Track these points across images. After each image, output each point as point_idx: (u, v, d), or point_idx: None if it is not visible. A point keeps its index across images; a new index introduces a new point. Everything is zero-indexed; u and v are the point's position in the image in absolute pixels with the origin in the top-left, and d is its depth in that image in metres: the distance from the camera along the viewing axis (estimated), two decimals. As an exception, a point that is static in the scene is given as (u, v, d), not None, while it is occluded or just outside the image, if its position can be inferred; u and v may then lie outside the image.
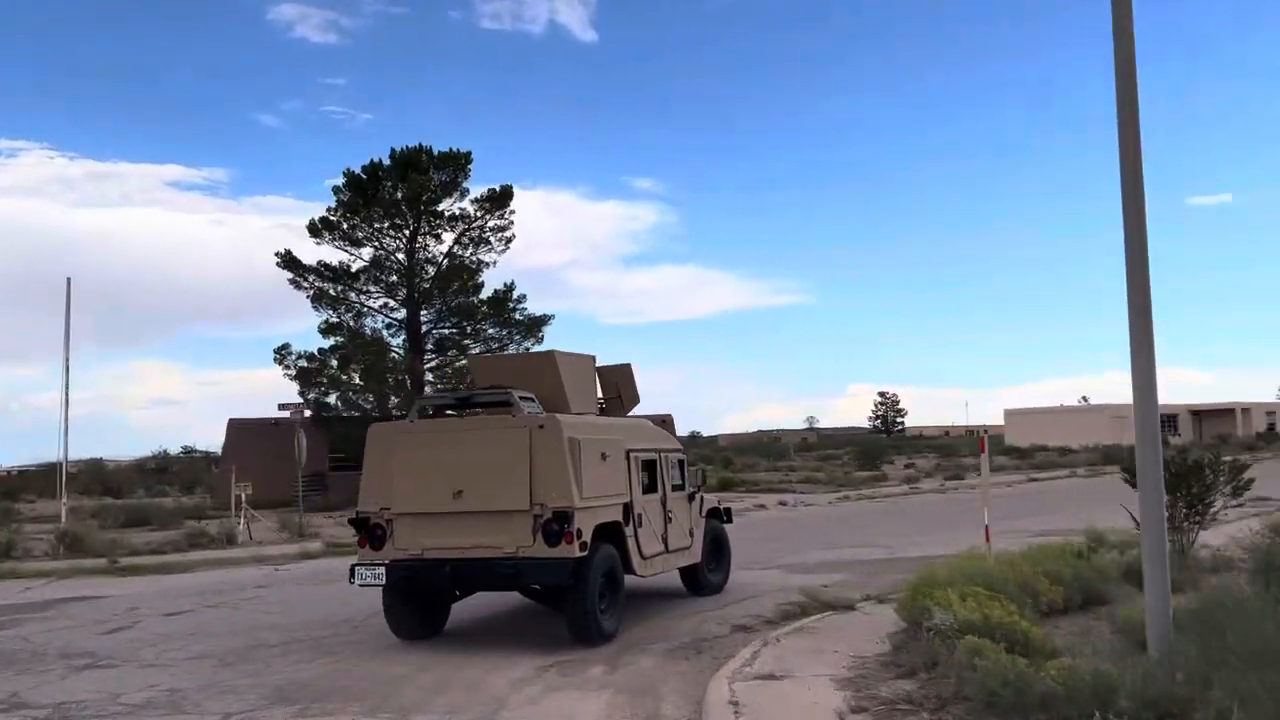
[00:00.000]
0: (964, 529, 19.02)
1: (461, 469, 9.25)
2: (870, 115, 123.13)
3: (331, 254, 35.06)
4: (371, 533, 9.52)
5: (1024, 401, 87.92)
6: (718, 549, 12.53)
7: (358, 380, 33.31)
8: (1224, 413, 74.60)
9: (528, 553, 8.99)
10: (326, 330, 34.63)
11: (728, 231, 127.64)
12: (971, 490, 33.31)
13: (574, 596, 9.09)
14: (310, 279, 34.48)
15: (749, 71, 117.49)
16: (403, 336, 35.28)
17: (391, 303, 35.21)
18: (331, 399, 33.78)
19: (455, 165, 34.50)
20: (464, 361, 33.04)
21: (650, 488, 10.69)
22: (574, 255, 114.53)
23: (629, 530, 9.94)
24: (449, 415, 10.76)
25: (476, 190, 34.91)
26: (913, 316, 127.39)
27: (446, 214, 34.95)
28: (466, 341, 35.75)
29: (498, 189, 34.72)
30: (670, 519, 10.98)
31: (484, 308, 35.24)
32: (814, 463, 56.74)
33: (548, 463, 9.05)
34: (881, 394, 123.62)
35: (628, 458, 10.24)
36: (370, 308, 35.20)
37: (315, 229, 34.36)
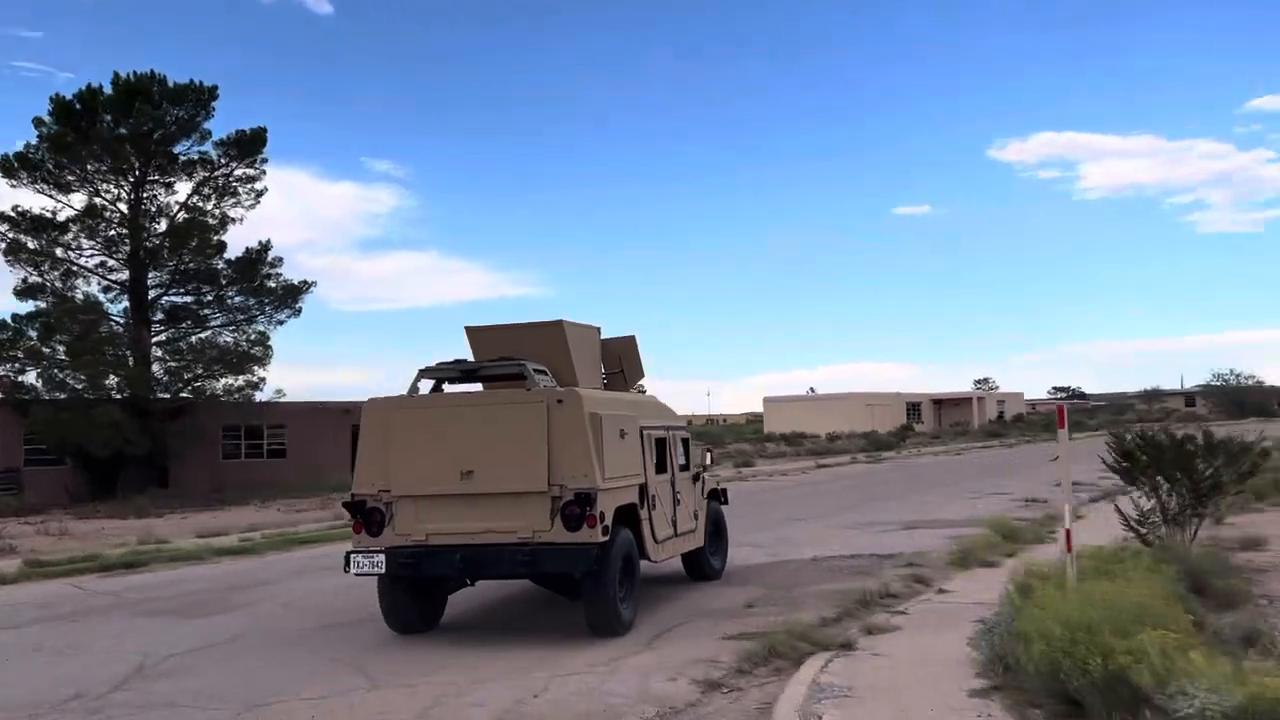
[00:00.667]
0: (815, 520, 17.91)
1: (471, 447, 8.55)
2: (625, 105, 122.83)
3: (32, 199, 28.96)
4: (368, 517, 8.78)
5: (769, 391, 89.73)
6: (716, 532, 11.90)
7: (64, 355, 27.35)
8: (962, 401, 79.27)
9: (545, 538, 8.35)
10: (24, 292, 28.40)
11: (471, 219, 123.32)
12: (784, 476, 32.29)
13: (594, 585, 8.47)
14: (3, 229, 28.05)
15: (494, 54, 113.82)
16: (125, 303, 29.59)
17: (111, 262, 29.37)
18: (30, 377, 27.60)
19: (196, 100, 28.98)
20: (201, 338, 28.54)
21: (660, 467, 10.03)
22: (305, 236, 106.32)
23: (644, 513, 9.37)
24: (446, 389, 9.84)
25: (221, 133, 29.65)
26: (656, 309, 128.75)
27: (183, 158, 29.50)
28: (206, 311, 30.45)
29: (248, 131, 29.56)
30: (678, 501, 10.40)
31: (229, 271, 30.05)
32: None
33: (567, 440, 8.41)
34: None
35: (641, 436, 9.60)
36: (82, 267, 29.19)
37: (9, 168, 27.87)
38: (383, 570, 8.58)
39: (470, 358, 9.91)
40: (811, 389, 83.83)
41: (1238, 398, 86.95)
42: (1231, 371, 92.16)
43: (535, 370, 9.11)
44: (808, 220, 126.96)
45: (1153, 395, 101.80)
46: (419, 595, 9.09)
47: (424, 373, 9.53)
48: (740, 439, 68.03)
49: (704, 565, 11.40)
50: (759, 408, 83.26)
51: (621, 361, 11.13)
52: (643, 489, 9.35)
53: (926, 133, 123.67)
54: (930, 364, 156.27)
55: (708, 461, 12.06)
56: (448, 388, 9.77)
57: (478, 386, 9.93)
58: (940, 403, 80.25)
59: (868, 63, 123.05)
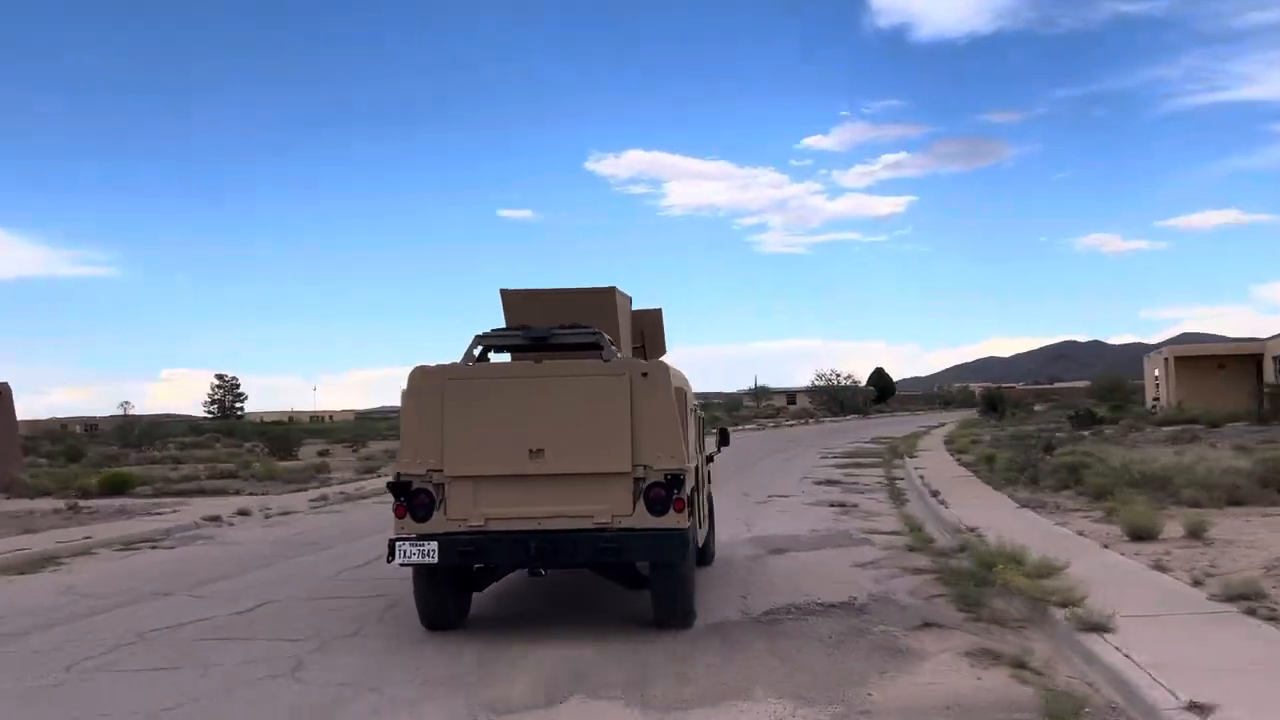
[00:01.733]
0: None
1: (541, 423, 7.73)
2: (206, 86, 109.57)
3: None
4: (413, 500, 7.75)
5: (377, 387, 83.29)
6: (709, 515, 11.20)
7: None
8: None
9: (626, 523, 7.66)
10: None
11: (26, 186, 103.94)
12: None
13: (671, 574, 7.87)
14: None
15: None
16: None
17: None
18: None
19: None
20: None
21: (700, 448, 10.04)
22: None
23: (699, 497, 9.16)
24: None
25: None
26: (242, 304, 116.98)
27: None
28: None
29: None
30: (705, 484, 10.32)
31: None
32: (209, 451, 45.34)
33: (653, 417, 7.73)
34: (220, 377, 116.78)
35: (694, 414, 9.44)
36: None
37: None
38: (435, 560, 7.59)
39: (508, 319, 9.19)
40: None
41: (839, 396, 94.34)
42: (833, 372, 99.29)
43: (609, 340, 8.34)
44: (417, 221, 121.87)
45: (760, 393, 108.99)
46: (461, 588, 8.31)
47: (481, 339, 8.53)
48: (375, 436, 61.16)
49: (707, 550, 10.76)
50: (367, 403, 76.21)
51: (644, 335, 10.39)
52: (696, 470, 8.97)
53: (529, 139, 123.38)
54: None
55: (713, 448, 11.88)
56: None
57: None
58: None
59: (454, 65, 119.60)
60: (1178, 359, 49.35)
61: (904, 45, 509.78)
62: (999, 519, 13.28)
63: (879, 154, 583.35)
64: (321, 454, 41.20)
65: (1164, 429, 35.14)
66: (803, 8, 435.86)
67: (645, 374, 7.85)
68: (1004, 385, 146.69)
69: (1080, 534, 11.99)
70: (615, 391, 7.74)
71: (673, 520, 7.65)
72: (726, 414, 77.30)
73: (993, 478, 19.97)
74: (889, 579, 10.16)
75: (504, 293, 9.22)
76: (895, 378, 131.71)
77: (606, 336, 8.30)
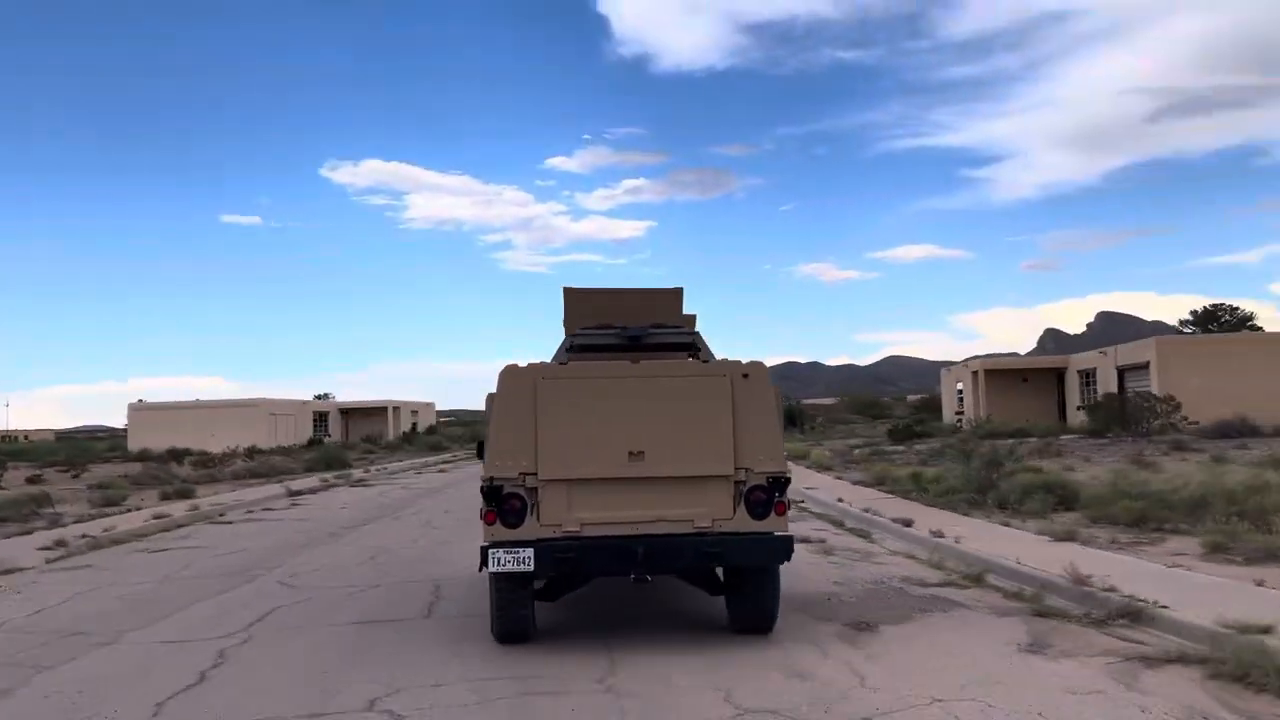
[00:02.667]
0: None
1: (640, 424, 7.41)
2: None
3: None
4: (504, 505, 7.32)
5: (74, 403, 72.84)
6: None
7: None
8: (375, 411, 70.67)
9: (727, 527, 7.40)
10: None
11: None
12: (273, 511, 20.41)
13: (762, 579, 7.67)
14: None
15: None
16: None
17: None
18: None
19: None
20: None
21: None
22: None
23: None
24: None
25: None
26: None
27: None
28: None
29: None
30: None
31: None
32: None
33: (754, 419, 7.51)
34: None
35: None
36: None
37: None
38: (530, 568, 7.18)
39: (570, 318, 8.95)
40: (142, 400, 68.29)
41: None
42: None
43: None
44: (129, 230, 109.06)
45: None
46: (538, 598, 7.82)
47: (576, 337, 8.37)
48: (96, 458, 51.93)
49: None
50: (65, 422, 65.70)
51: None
52: None
53: (257, 144, 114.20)
54: (262, 377, 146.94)
55: None
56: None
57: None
58: (349, 413, 71.02)
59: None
60: (987, 372, 49.81)
61: (644, 75, 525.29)
62: (1066, 556, 9.79)
63: (620, 179, 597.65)
64: (34, 480, 33.03)
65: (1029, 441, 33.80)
66: (548, 31, 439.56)
67: (746, 375, 7.63)
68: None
69: (1260, 583, 8.70)
70: (716, 393, 7.53)
71: (774, 524, 7.46)
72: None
73: (938, 500, 16.86)
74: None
75: (567, 291, 8.75)
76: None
77: (701, 337, 8.15)
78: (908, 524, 14.08)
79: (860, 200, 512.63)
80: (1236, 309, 74.97)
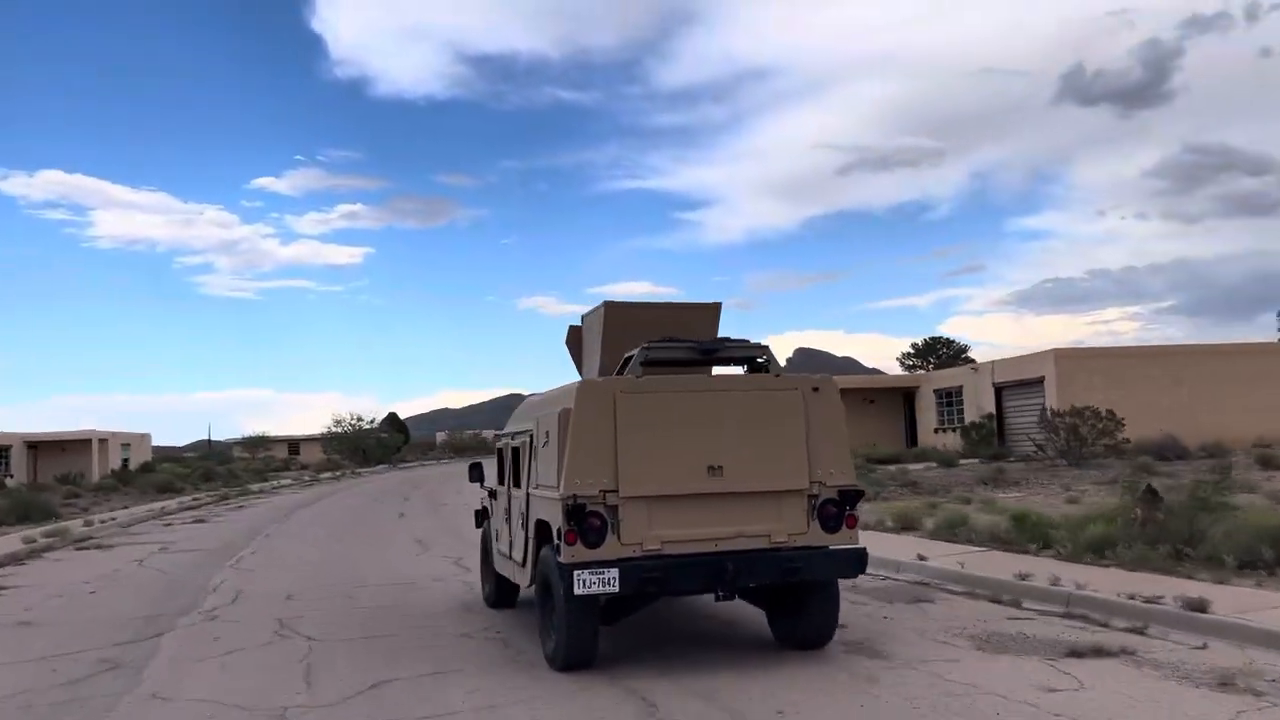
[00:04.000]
0: None
1: (718, 439, 7.35)
2: None
3: None
4: (585, 524, 7.02)
5: None
6: None
7: None
8: (73, 444, 55.92)
9: (802, 541, 7.40)
10: None
11: None
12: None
13: (826, 594, 7.68)
14: None
15: None
16: None
17: None
18: None
19: None
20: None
21: None
22: None
23: None
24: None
25: None
26: None
27: None
28: None
29: None
30: None
31: None
32: None
33: (825, 432, 7.56)
34: None
35: None
36: None
37: None
38: (616, 588, 6.94)
39: (607, 332, 8.67)
40: None
41: (362, 444, 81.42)
42: (354, 416, 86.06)
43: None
44: None
45: (256, 442, 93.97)
46: (606, 620, 7.57)
47: (649, 350, 7.81)
48: None
49: None
50: None
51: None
52: None
53: None
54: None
55: None
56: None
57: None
58: (39, 446, 56.33)
59: None
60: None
61: (363, 98, 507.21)
62: None
63: (335, 203, 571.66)
64: None
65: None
66: (257, 47, 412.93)
67: (816, 389, 7.63)
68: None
69: None
70: (790, 407, 7.52)
71: (845, 537, 7.48)
72: (226, 468, 59.45)
73: (1100, 556, 10.90)
74: None
75: (608, 305, 8.64)
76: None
77: (771, 351, 8.13)
78: (1198, 608, 8.09)
79: (581, 236, 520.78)
80: (953, 342, 79.39)
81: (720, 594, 7.33)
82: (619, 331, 8.51)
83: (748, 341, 8.00)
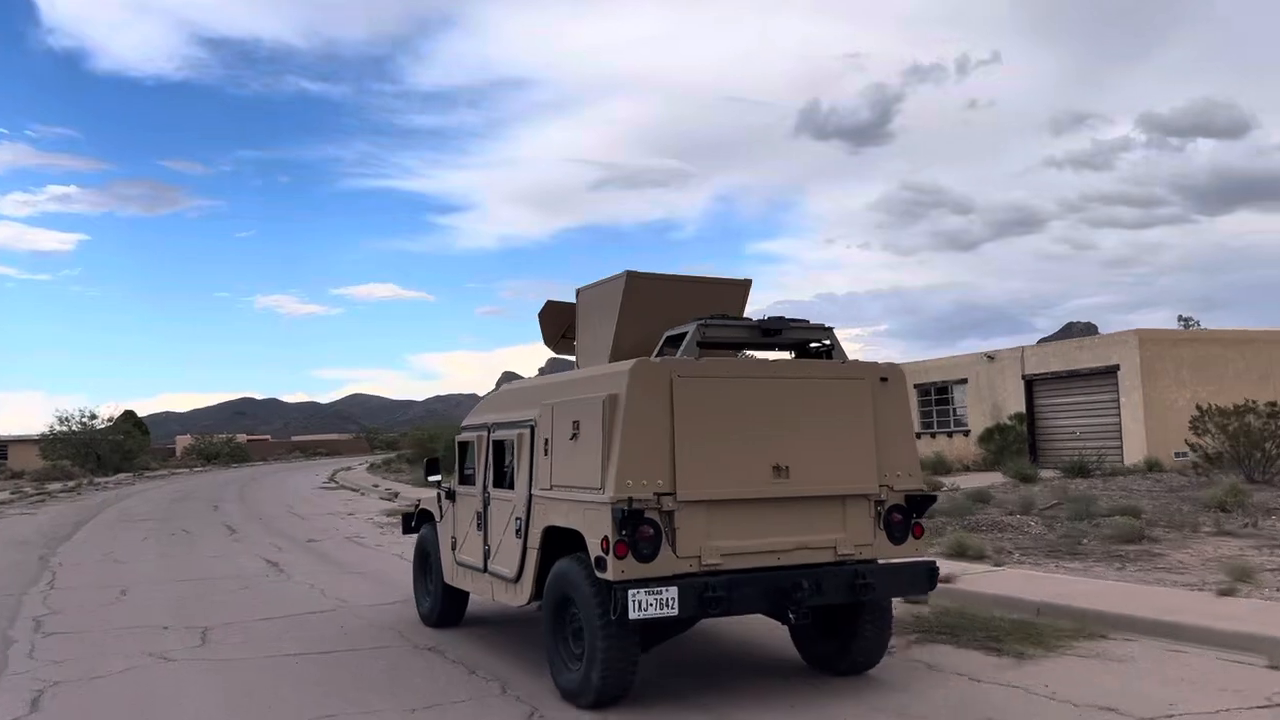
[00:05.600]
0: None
1: (784, 434, 6.38)
2: None
3: None
4: (638, 533, 5.91)
5: None
6: None
7: None
8: None
9: (867, 553, 6.55)
10: None
11: None
12: None
13: (880, 613, 6.83)
14: None
15: None
16: None
17: None
18: None
19: None
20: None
21: None
22: None
23: None
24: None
25: None
26: None
27: None
28: None
29: None
30: None
31: None
32: None
33: (892, 428, 6.76)
34: None
35: None
36: None
37: None
38: (675, 610, 5.84)
39: (625, 307, 7.31)
40: None
41: (96, 448, 65.13)
42: (84, 413, 69.20)
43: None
44: None
45: None
46: (644, 645, 6.38)
47: (707, 326, 6.70)
48: None
49: None
50: None
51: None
52: None
53: None
54: None
55: None
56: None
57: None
58: None
59: None
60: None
61: (81, 73, 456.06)
62: None
63: (45, 183, 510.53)
64: None
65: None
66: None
67: (884, 379, 6.81)
68: (256, 438, 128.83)
69: None
70: (859, 398, 6.66)
71: (912, 548, 6.70)
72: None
73: None
74: None
75: (630, 275, 7.30)
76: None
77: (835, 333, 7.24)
78: None
79: (325, 234, 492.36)
80: None
81: (792, 617, 6.29)
82: (638, 306, 7.23)
83: (807, 322, 6.95)
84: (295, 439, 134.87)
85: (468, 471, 8.44)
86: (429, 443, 51.69)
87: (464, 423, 8.81)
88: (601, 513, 5.96)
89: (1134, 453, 25.58)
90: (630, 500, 5.84)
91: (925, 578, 6.62)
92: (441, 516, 8.98)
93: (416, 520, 9.77)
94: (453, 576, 8.59)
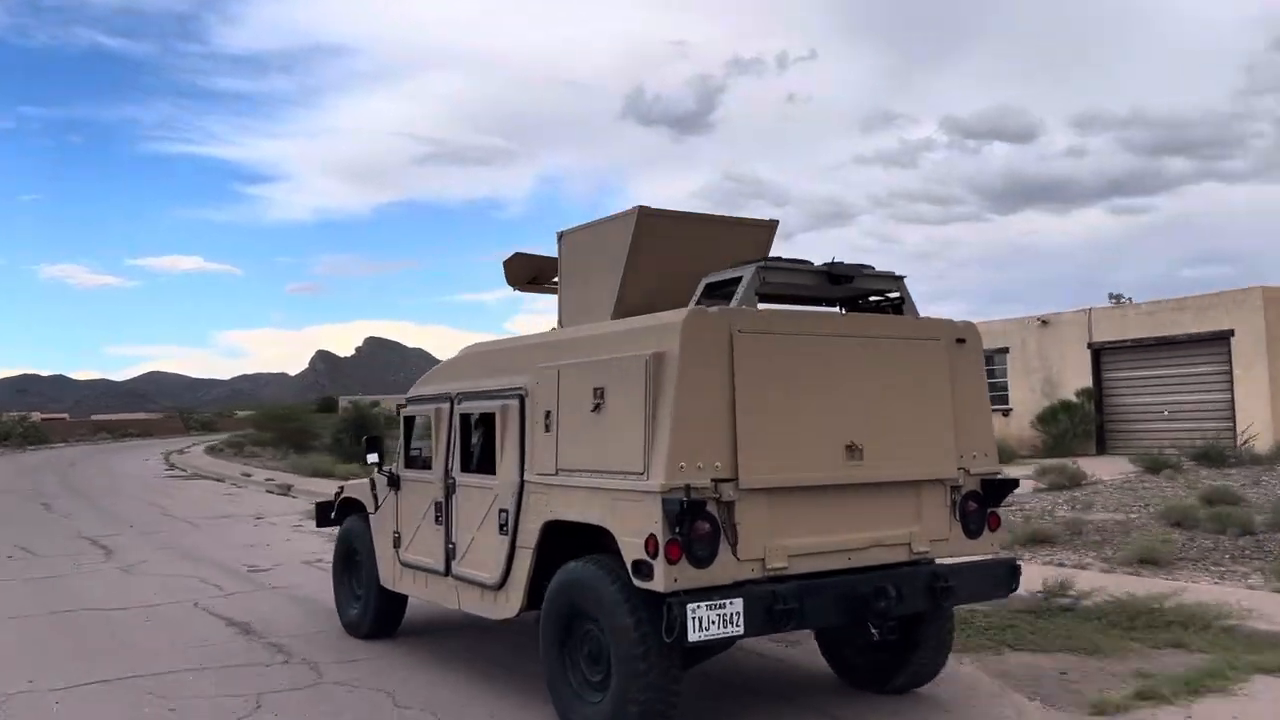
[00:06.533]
0: None
1: (857, 406, 5.39)
2: None
3: None
4: (694, 530, 4.82)
5: None
6: None
7: None
8: None
9: (945, 549, 5.69)
10: None
11: None
12: None
13: (947, 618, 6.01)
14: None
15: None
16: None
17: None
18: None
19: None
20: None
21: None
22: None
23: None
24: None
25: None
26: None
27: None
28: None
29: None
30: None
31: None
32: None
33: (968, 400, 5.82)
34: None
35: None
36: None
37: None
38: (740, 629, 4.79)
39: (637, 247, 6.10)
40: None
41: None
42: None
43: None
44: None
45: None
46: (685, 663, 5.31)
47: (766, 269, 5.54)
48: None
49: None
50: None
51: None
52: None
53: None
54: None
55: None
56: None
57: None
58: None
59: None
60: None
61: None
62: None
63: None
64: None
65: None
66: None
67: (961, 340, 5.85)
68: (52, 416, 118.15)
69: None
70: (935, 363, 5.70)
71: (986, 544, 5.83)
72: None
73: None
74: None
75: (643, 212, 6.07)
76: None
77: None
78: None
79: (122, 200, 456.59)
80: None
81: (875, 632, 5.57)
82: (649, 250, 6.09)
83: (873, 268, 5.85)
84: (96, 418, 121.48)
85: (416, 453, 7.37)
86: (287, 422, 45.75)
87: (411, 392, 7.52)
88: (644, 504, 4.86)
89: (1259, 437, 21.04)
90: (688, 489, 4.77)
91: (1006, 578, 5.71)
92: (377, 507, 7.67)
93: (337, 511, 8.45)
94: (394, 579, 7.41)
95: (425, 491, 6.98)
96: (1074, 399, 24.51)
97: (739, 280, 5.43)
